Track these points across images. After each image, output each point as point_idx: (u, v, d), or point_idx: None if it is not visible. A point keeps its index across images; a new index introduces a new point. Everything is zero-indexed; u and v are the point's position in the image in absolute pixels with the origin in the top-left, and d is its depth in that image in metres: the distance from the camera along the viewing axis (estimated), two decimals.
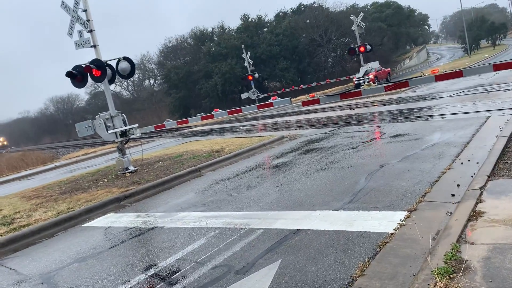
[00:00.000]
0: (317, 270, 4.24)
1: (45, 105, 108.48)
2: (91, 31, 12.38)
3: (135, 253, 5.85)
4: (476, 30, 72.80)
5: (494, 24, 76.20)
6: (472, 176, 6.15)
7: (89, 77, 12.37)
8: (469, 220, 4.56)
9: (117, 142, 12.75)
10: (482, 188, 5.49)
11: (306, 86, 45.04)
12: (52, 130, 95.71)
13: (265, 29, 65.82)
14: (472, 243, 4.00)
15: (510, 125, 9.11)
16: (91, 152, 25.07)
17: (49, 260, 6.24)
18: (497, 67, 6.69)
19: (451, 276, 3.50)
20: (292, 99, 11.12)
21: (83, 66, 11.99)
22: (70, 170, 18.17)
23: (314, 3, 69.88)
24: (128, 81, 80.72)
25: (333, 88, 44.73)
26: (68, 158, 26.00)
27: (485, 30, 75.12)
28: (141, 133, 13.37)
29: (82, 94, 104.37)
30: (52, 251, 6.71)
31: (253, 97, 41.08)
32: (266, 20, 68.31)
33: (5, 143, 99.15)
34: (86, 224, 8.05)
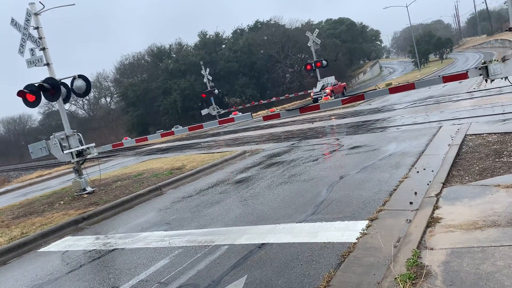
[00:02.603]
0: (283, 284, 4.23)
1: None
2: (43, 49, 12.00)
3: (96, 276, 5.62)
4: (425, 45, 76.36)
5: (441, 39, 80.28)
6: (428, 184, 6.38)
7: (42, 97, 11.95)
8: (427, 226, 4.72)
9: (73, 163, 12.31)
10: (438, 195, 5.70)
11: (266, 101, 45.57)
12: (3, 152, 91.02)
13: (223, 46, 66.38)
14: (432, 249, 4.13)
15: (460, 134, 9.56)
16: (45, 174, 24.05)
17: None
18: (446, 79, 7.04)
19: (414, 282, 3.59)
20: (252, 114, 11.18)
21: (36, 85, 11.57)
22: (24, 193, 17.33)
23: (270, 20, 71.42)
24: (84, 99, 78.71)
25: (292, 103, 45.45)
26: (21, 181, 24.81)
27: (432, 44, 78.95)
28: (98, 153, 12.99)
29: (35, 114, 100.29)
30: (4, 280, 6.33)
31: (214, 113, 41.01)
32: (224, 37, 68.98)
33: None
34: (42, 249, 7.67)
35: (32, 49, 12.02)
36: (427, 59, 78.48)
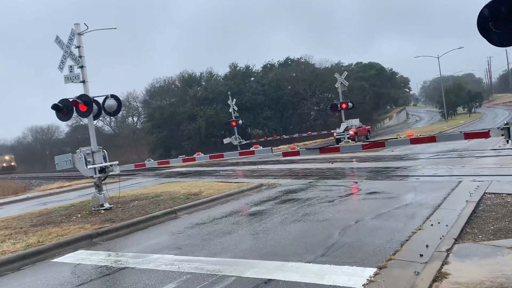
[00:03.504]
0: None
1: (23, 134, 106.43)
2: (82, 67, 12.62)
3: None
4: (454, 97, 76.09)
5: (471, 93, 79.92)
6: (440, 238, 6.36)
7: (74, 111, 12.49)
8: (434, 280, 4.72)
9: (95, 178, 12.68)
10: (448, 250, 5.70)
11: (288, 136, 45.85)
12: (28, 159, 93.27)
13: (252, 78, 67.61)
14: None
15: (479, 191, 9.49)
16: (66, 186, 24.59)
17: None
18: (467, 135, 7.12)
19: None
20: (273, 148, 11.38)
21: (70, 100, 12.13)
22: (43, 202, 17.77)
23: (301, 58, 72.50)
24: (112, 117, 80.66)
25: (314, 141, 45.55)
26: (41, 190, 25.40)
27: (462, 97, 78.58)
28: (120, 171, 13.34)
29: (63, 126, 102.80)
30: (17, 285, 6.53)
31: (235, 142, 41.47)
32: (253, 70, 70.33)
33: (12, 163, 79.30)
34: (56, 260, 7.88)
35: (71, 66, 12.67)
36: (455, 111, 77.98)
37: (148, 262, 6.94)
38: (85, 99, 12.21)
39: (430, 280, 4.70)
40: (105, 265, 7.09)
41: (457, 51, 73.76)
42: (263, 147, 11.64)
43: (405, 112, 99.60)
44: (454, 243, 5.98)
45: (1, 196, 25.52)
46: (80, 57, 12.57)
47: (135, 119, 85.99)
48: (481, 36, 6.78)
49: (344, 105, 35.11)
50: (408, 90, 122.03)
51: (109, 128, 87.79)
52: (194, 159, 11.98)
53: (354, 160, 21.73)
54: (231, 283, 5.52)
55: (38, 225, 10.93)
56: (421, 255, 5.72)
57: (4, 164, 77.06)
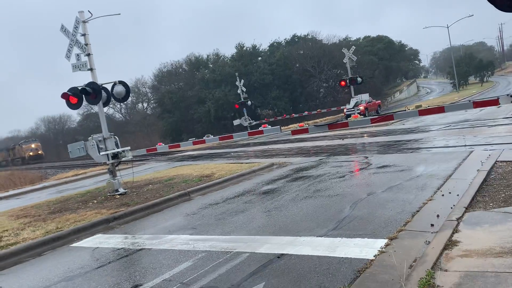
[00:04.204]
0: None
1: (36, 125, 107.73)
2: (88, 54, 12.70)
3: (123, 273, 5.95)
4: (465, 67, 74.76)
5: (482, 62, 78.34)
6: (451, 208, 6.40)
7: (84, 99, 12.61)
8: (444, 248, 4.78)
9: (108, 164, 12.88)
10: (459, 219, 5.74)
11: (297, 115, 45.72)
12: (42, 150, 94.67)
13: (259, 58, 67.06)
14: (446, 270, 4.21)
15: (491, 160, 9.45)
16: (81, 173, 25.02)
17: (36, 279, 6.30)
18: (476, 104, 7.07)
19: None
20: (283, 128, 11.42)
21: (79, 88, 12.25)
22: (59, 190, 18.14)
23: (308, 34, 71.63)
24: (122, 104, 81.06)
25: (325, 118, 45.39)
26: (57, 178, 25.90)
27: (473, 67, 77.17)
28: (132, 156, 13.52)
29: (74, 115, 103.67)
30: (39, 270, 6.77)
31: (245, 124, 41.50)
32: (260, 50, 69.68)
33: (40, 152, 73.76)
34: (74, 244, 8.12)
35: (78, 55, 12.76)
36: (466, 81, 76.76)
37: (164, 243, 7.12)
38: (94, 87, 12.32)
39: (441, 248, 4.76)
40: (122, 248, 7.29)
41: (468, 19, 72.25)
42: (272, 127, 11.66)
43: (416, 85, 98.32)
44: (465, 212, 6.01)
45: (18, 186, 26.08)
46: (86, 45, 12.64)
47: (145, 104, 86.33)
48: (488, 2, 6.65)
49: (353, 80, 34.79)
50: (418, 62, 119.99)
51: (120, 115, 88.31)
52: (204, 141, 12.10)
53: (365, 135, 21.66)
54: (245, 259, 5.65)
55: (56, 212, 11.21)
56: (432, 225, 5.78)
57: (31, 153, 71.49)
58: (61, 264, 6.87)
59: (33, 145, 73.12)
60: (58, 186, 20.75)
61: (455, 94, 58.75)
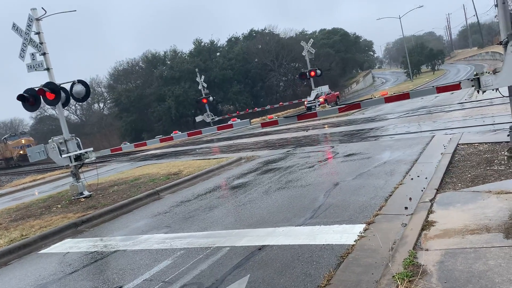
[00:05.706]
0: (285, 282, 4.41)
1: None
2: (44, 53, 12.15)
3: (99, 276, 5.76)
4: (417, 56, 77.40)
5: (433, 51, 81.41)
6: (422, 190, 6.61)
7: (42, 100, 12.07)
8: (422, 229, 4.93)
9: (71, 167, 12.41)
10: (432, 200, 5.94)
11: (260, 109, 45.85)
12: None
13: (218, 54, 66.65)
14: (427, 250, 4.35)
15: (452, 143, 9.84)
16: (39, 179, 23.97)
17: None
18: (439, 89, 7.32)
19: (410, 279, 3.79)
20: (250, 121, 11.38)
21: (36, 89, 11.70)
22: (18, 197, 17.31)
23: (265, 29, 71.82)
24: (76, 105, 78.41)
25: (286, 111, 45.73)
26: (13, 185, 24.69)
27: (425, 56, 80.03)
28: (96, 157, 13.10)
29: (27, 118, 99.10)
30: (8, 280, 6.43)
31: (208, 120, 41.19)
32: (219, 45, 69.22)
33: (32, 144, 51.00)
34: (43, 251, 7.77)
35: (33, 54, 12.17)
36: (419, 70, 79.58)
37: (139, 243, 6.94)
38: (52, 87, 11.80)
39: (419, 229, 4.91)
40: (95, 251, 7.05)
41: (418, 10, 74.65)
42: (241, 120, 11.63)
43: (371, 75, 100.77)
44: (436, 193, 6.23)
45: None
46: (41, 43, 12.08)
47: (101, 105, 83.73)
48: None
49: (312, 73, 35.29)
50: (372, 53, 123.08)
51: (76, 116, 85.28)
52: (172, 138, 11.87)
53: (327, 126, 22.03)
54: (226, 253, 5.60)
55: (18, 220, 10.69)
56: (406, 208, 5.95)
57: (21, 152, 50.83)
58: (31, 273, 6.55)
59: (23, 140, 52.94)
60: (16, 193, 19.79)
61: (410, 83, 60.75)
